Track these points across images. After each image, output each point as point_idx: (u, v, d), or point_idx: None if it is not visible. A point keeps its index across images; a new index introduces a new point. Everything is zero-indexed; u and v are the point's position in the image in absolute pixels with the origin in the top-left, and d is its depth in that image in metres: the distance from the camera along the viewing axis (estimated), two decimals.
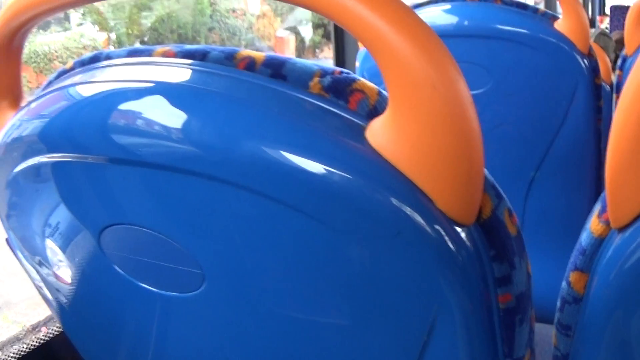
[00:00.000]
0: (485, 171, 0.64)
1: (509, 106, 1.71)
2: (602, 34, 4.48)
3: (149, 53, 0.73)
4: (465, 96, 0.58)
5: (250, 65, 0.67)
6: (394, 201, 0.59)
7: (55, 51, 4.51)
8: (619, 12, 6.14)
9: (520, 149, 1.76)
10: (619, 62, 1.87)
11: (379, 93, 0.64)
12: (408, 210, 0.59)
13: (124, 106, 0.68)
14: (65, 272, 0.83)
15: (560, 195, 1.78)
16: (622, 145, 0.64)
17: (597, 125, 1.68)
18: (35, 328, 1.47)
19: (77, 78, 0.74)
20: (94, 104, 0.70)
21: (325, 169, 0.60)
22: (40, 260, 0.85)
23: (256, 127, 0.62)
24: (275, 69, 0.66)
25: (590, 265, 0.71)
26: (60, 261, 0.82)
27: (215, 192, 0.65)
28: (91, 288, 0.84)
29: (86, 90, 0.72)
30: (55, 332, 1.40)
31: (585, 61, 1.61)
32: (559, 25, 1.62)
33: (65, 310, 0.90)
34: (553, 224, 1.80)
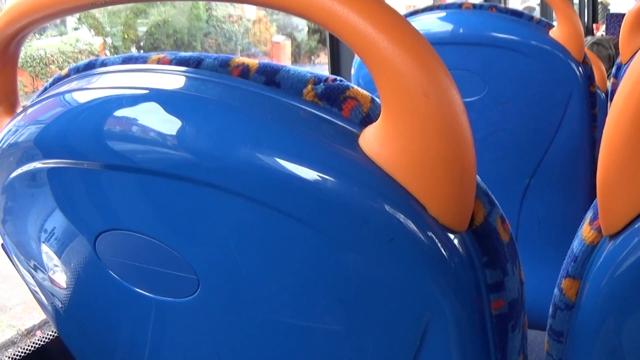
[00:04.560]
0: (478, 178, 0.64)
1: (504, 113, 1.71)
2: (596, 42, 4.49)
3: (143, 60, 0.73)
4: (458, 104, 0.58)
5: (244, 72, 0.67)
6: (387, 208, 0.60)
7: (51, 55, 4.49)
8: (615, 20, 6.15)
9: (515, 156, 1.76)
10: (613, 69, 1.87)
11: (372, 100, 0.65)
12: (401, 217, 0.60)
13: (119, 113, 0.68)
14: (60, 277, 0.83)
15: (554, 202, 1.78)
16: (612, 153, 0.64)
17: (592, 132, 1.68)
18: (30, 332, 1.48)
19: (72, 85, 0.75)
20: (89, 110, 0.71)
21: (319, 176, 0.60)
22: (36, 265, 0.85)
23: (250, 134, 0.62)
24: (269, 76, 0.66)
25: (582, 272, 0.71)
26: (56, 266, 0.82)
27: (210, 199, 0.65)
28: (86, 293, 0.84)
29: (81, 97, 0.72)
30: (51, 337, 1.40)
31: (580, 69, 1.62)
32: (553, 32, 1.62)
33: (61, 315, 0.90)
34: (548, 231, 1.80)
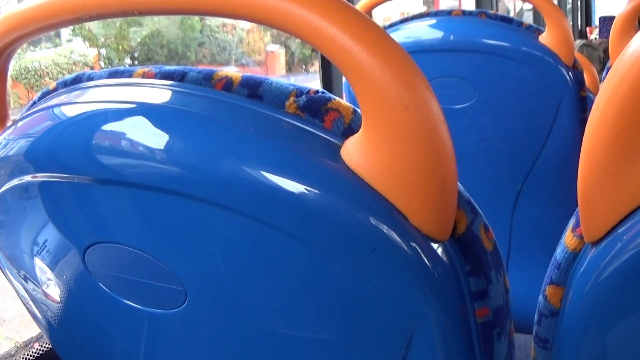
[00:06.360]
0: (460, 187, 0.65)
1: (495, 119, 1.71)
2: (586, 44, 4.51)
3: (129, 74, 0.74)
4: (437, 115, 0.58)
5: (228, 85, 0.68)
6: (370, 219, 0.60)
7: (46, 67, 4.49)
8: (608, 23, 6.15)
9: (506, 161, 1.76)
10: (603, 73, 1.87)
11: (354, 112, 0.65)
12: (383, 227, 0.60)
13: (106, 127, 0.68)
14: (52, 289, 0.83)
15: (547, 207, 1.79)
16: (593, 160, 0.65)
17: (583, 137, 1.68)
18: (27, 345, 1.48)
19: (60, 98, 0.75)
20: (77, 124, 0.71)
21: (301, 188, 0.60)
22: (27, 277, 0.85)
23: (233, 148, 0.62)
24: (252, 89, 0.67)
25: (566, 279, 0.71)
26: (49, 279, 0.82)
27: (196, 211, 0.66)
28: (78, 305, 0.84)
29: (70, 111, 0.73)
30: (47, 349, 1.41)
31: (570, 74, 1.62)
32: (543, 38, 1.63)
33: (53, 327, 0.90)
34: (540, 236, 1.81)
